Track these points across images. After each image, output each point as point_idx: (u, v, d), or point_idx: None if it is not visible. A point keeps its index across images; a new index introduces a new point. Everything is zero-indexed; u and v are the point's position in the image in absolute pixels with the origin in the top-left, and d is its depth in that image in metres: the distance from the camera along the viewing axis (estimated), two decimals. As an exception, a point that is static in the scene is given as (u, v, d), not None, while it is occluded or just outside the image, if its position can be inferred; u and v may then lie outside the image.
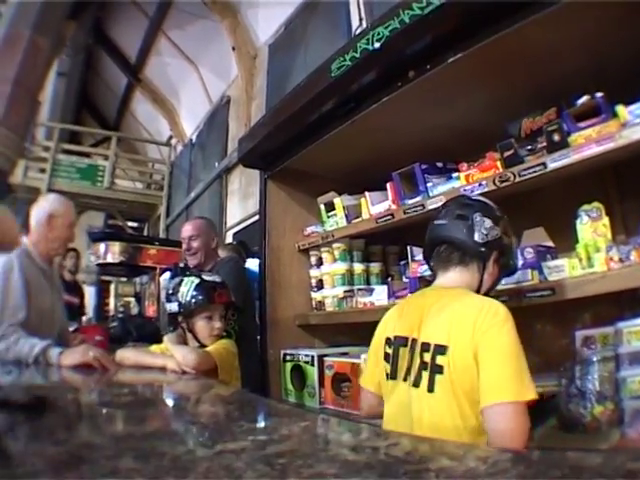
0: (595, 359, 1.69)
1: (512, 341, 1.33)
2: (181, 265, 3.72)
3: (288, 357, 2.99)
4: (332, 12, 5.83)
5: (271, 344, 3.09)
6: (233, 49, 8.19)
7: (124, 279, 10.53)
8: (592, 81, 1.93)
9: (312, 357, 2.80)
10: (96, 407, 1.46)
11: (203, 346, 2.26)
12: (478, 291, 1.57)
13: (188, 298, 2.26)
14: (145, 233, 13.06)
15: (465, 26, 1.92)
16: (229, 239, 7.44)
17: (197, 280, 2.30)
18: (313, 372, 2.76)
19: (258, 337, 3.18)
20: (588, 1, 1.65)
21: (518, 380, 1.28)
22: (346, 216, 2.94)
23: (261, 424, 1.05)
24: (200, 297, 2.26)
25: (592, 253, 1.76)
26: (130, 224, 12.92)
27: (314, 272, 3.24)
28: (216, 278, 2.39)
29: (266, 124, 3.07)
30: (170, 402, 1.57)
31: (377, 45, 2.14)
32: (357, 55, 2.25)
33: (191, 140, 11.08)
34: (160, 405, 1.48)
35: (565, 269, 1.82)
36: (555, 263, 1.87)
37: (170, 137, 12.46)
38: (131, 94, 13.09)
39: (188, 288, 2.28)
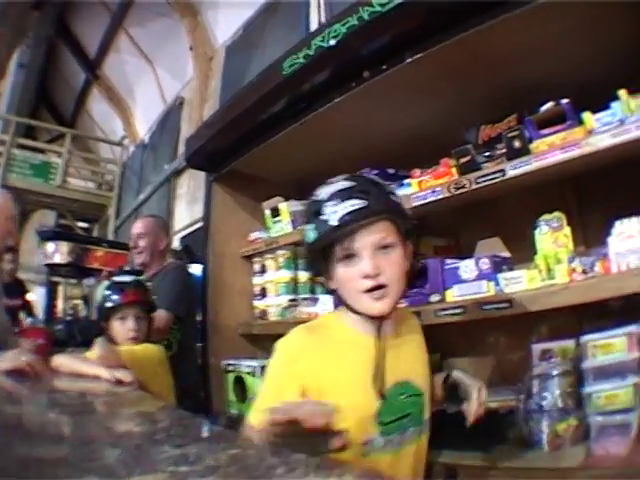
0: (555, 373, 1.63)
1: (267, 371, 1.37)
2: (126, 269, 3.55)
3: (230, 367, 2.85)
4: (291, 14, 5.75)
5: (213, 353, 2.94)
6: (191, 49, 8.01)
7: (73, 281, 10.24)
8: (556, 89, 1.85)
9: (254, 368, 2.66)
10: (6, 425, 1.30)
11: None
12: (351, 307, 1.32)
13: (99, 301, 2.27)
14: (94, 235, 12.68)
15: (426, 26, 1.84)
16: (176, 243, 7.30)
17: (107, 283, 2.30)
18: (255, 384, 2.61)
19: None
20: (556, 6, 1.59)
21: (256, 404, 1.32)
22: (292, 222, 2.80)
23: (185, 451, 0.91)
24: (108, 298, 2.24)
25: (552, 264, 1.68)
26: (80, 225, 12.55)
27: (257, 280, 3.08)
28: (126, 278, 2.35)
29: (214, 123, 2.93)
30: (90, 420, 1.41)
31: (332, 42, 2.04)
32: (311, 53, 2.14)
33: (143, 141, 10.88)
34: (79, 423, 1.32)
35: (523, 280, 1.73)
36: (512, 274, 1.78)
37: (123, 137, 12.15)
38: (88, 91, 12.71)
39: (99, 292, 2.29)
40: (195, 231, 6.81)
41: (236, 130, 2.70)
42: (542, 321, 2.08)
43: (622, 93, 1.60)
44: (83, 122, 13.87)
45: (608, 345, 1.45)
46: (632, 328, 1.43)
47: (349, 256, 1.25)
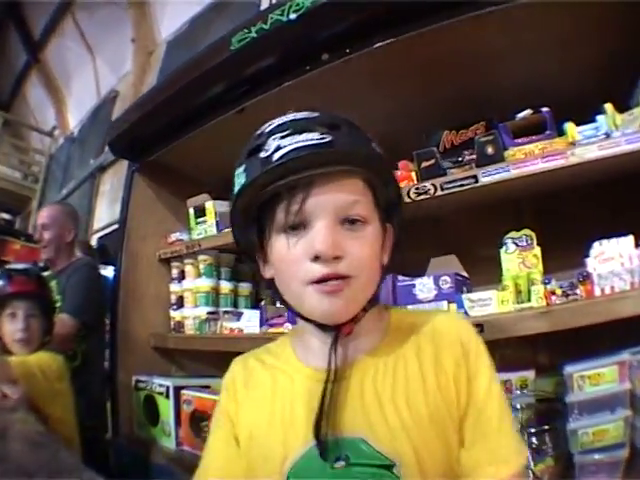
0: (518, 407, 1.49)
1: None
2: (41, 265, 3.18)
3: (141, 384, 2.49)
4: (240, 14, 5.48)
5: (122, 367, 2.58)
6: (133, 41, 7.68)
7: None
8: (532, 99, 1.73)
9: (167, 388, 2.30)
10: None
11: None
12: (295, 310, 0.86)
13: None
14: (16, 227, 12.00)
15: (399, 10, 1.65)
16: (93, 243, 7.03)
17: None
18: (168, 406, 2.27)
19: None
20: (529, 11, 1.51)
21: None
22: (217, 224, 2.48)
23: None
24: None
25: (524, 286, 1.52)
26: (3, 216, 11.81)
27: (174, 287, 2.74)
28: (18, 265, 2.11)
29: (144, 104, 2.57)
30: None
31: (293, 16, 1.78)
32: (266, 27, 1.87)
33: (72, 134, 10.44)
34: None
35: (493, 303, 1.53)
36: (480, 296, 1.57)
37: (54, 127, 11.59)
38: (28, 75, 12.02)
39: None
40: (114, 231, 6.45)
41: (166, 113, 2.37)
42: (494, 350, 1.90)
43: (608, 107, 1.52)
44: (19, 107, 13.11)
45: (597, 375, 1.29)
46: (624, 356, 1.29)
47: (295, 227, 0.78)
